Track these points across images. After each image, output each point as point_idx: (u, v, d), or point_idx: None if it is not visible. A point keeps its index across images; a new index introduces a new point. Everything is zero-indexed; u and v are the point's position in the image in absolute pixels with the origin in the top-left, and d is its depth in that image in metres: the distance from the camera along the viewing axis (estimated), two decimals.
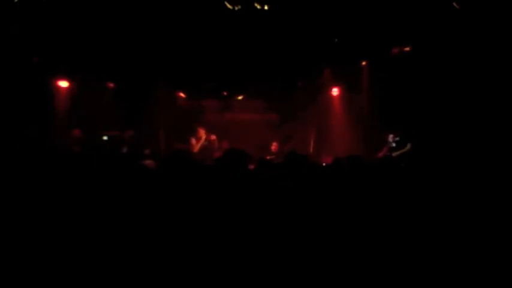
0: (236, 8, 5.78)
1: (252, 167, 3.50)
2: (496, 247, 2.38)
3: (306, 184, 3.06)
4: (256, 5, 5.81)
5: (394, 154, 6.76)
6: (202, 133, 8.07)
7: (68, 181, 3.04)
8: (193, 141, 8.06)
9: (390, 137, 6.98)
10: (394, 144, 6.90)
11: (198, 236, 2.37)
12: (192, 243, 2.33)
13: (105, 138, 7.80)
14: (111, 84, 8.66)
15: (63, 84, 7.86)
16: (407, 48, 7.21)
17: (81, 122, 7.57)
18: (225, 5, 5.76)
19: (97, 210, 2.57)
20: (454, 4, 5.59)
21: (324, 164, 5.85)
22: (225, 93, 9.39)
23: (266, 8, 5.85)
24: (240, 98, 9.50)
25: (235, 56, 7.53)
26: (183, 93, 9.40)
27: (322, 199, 2.80)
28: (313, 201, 2.76)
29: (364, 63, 8.21)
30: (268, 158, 8.18)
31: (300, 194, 2.83)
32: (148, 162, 4.24)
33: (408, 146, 6.74)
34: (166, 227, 2.41)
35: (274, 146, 8.58)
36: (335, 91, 8.90)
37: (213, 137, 8.15)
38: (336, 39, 7.17)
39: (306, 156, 3.69)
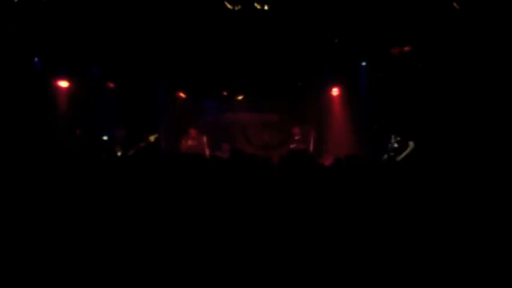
0: (236, 8, 5.78)
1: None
2: (496, 247, 2.38)
3: (307, 184, 3.06)
4: (256, 5, 5.80)
5: (398, 158, 6.69)
6: (193, 133, 8.15)
7: (70, 183, 3.04)
8: (183, 140, 8.15)
9: (392, 138, 6.94)
10: (396, 145, 6.87)
11: (199, 235, 2.37)
12: (193, 242, 2.33)
13: (105, 138, 7.81)
14: (111, 84, 8.67)
15: (63, 84, 7.86)
16: (407, 48, 7.21)
17: (81, 122, 7.59)
18: (225, 5, 5.76)
19: (101, 212, 2.57)
20: (454, 4, 5.59)
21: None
22: (225, 93, 9.39)
23: (266, 8, 5.85)
24: (240, 98, 9.49)
25: (235, 56, 7.53)
26: (183, 93, 9.40)
27: (323, 199, 2.80)
28: (313, 201, 2.76)
29: (364, 63, 8.21)
30: (292, 146, 8.19)
31: (301, 194, 2.83)
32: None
33: (411, 145, 6.69)
34: (169, 228, 2.42)
35: (296, 130, 8.49)
36: (335, 91, 8.90)
37: (204, 138, 8.24)
38: (336, 39, 7.17)
39: (305, 151, 3.68)
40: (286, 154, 6.91)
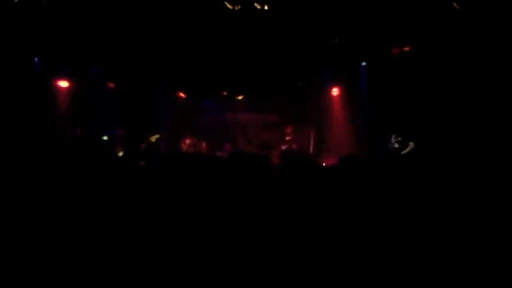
0: (236, 8, 5.78)
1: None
2: (496, 247, 2.38)
3: (307, 184, 3.06)
4: (256, 5, 5.81)
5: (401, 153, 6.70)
6: (188, 141, 8.07)
7: (70, 183, 3.04)
8: (183, 146, 8.09)
9: (392, 138, 6.94)
10: (396, 145, 6.86)
11: (199, 235, 2.37)
12: (193, 241, 2.33)
13: (105, 138, 7.82)
14: (111, 84, 8.67)
15: (63, 84, 7.86)
16: (407, 48, 7.21)
17: (81, 122, 7.59)
18: (225, 5, 5.76)
19: (101, 212, 2.57)
20: (454, 4, 5.59)
21: (324, 165, 5.84)
22: (225, 93, 9.39)
23: (266, 8, 5.85)
24: (240, 98, 9.50)
25: (235, 56, 7.53)
26: (183, 93, 9.40)
27: (323, 199, 2.81)
28: (313, 201, 2.76)
29: (364, 63, 8.22)
30: (284, 147, 8.20)
31: (301, 194, 2.83)
32: None
33: (411, 144, 6.69)
34: (169, 228, 2.42)
35: (289, 129, 8.46)
36: (335, 91, 8.90)
37: (203, 144, 8.19)
38: (336, 39, 7.17)
39: (299, 152, 3.67)
40: (281, 155, 6.89)
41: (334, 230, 2.53)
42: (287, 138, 8.32)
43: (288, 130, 8.36)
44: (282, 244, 2.38)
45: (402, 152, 6.71)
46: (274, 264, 2.26)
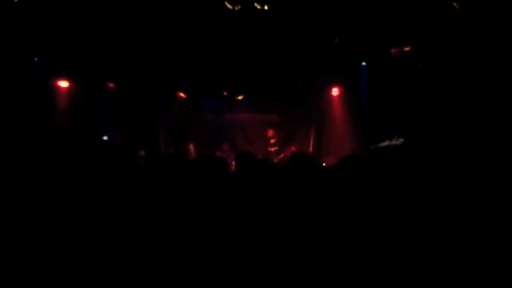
0: (236, 8, 5.78)
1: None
2: (496, 247, 2.38)
3: (311, 185, 3.06)
4: (256, 5, 5.81)
5: (379, 145, 6.69)
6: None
7: (69, 183, 3.04)
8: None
9: (394, 138, 6.94)
10: (387, 142, 6.87)
11: (201, 237, 2.37)
12: (194, 243, 2.33)
13: (105, 138, 7.82)
14: (111, 84, 8.67)
15: (63, 84, 7.86)
16: (407, 48, 7.21)
17: (81, 122, 7.59)
18: (225, 5, 5.76)
19: (101, 213, 2.57)
20: (454, 4, 5.59)
21: (324, 164, 5.84)
22: (225, 93, 9.40)
23: (266, 8, 5.85)
24: (240, 98, 9.50)
25: (235, 56, 7.54)
26: (183, 93, 9.40)
27: (323, 200, 2.80)
28: (314, 202, 2.76)
29: (364, 63, 8.23)
30: (271, 150, 8.27)
31: (306, 195, 2.83)
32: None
33: (400, 140, 6.68)
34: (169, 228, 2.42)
35: (271, 132, 8.58)
36: (335, 91, 8.90)
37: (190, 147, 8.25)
38: (336, 39, 7.17)
39: (307, 155, 3.68)
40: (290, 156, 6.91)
41: (334, 230, 2.53)
42: (271, 141, 8.47)
43: (270, 133, 8.51)
44: (282, 244, 2.38)
45: (387, 144, 6.69)
46: (274, 263, 2.26)
